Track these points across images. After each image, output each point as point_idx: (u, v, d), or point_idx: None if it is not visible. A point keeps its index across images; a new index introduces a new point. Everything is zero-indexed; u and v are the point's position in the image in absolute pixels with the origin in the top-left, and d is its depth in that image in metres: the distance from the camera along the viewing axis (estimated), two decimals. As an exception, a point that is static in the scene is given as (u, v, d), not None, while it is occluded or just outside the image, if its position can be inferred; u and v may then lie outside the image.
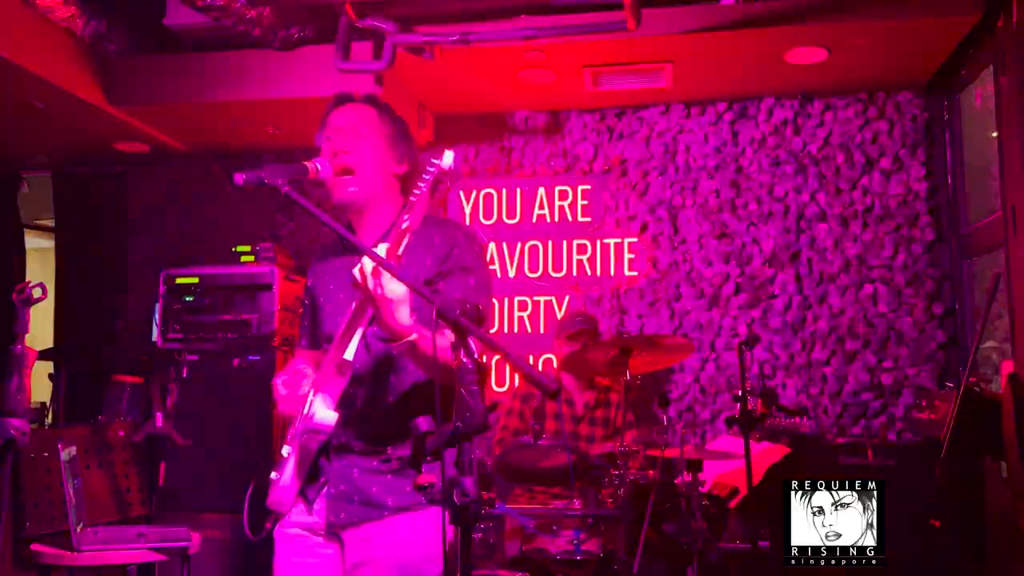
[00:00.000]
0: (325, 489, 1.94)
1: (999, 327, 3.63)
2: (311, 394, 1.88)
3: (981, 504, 3.49)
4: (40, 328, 5.00)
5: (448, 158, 1.68)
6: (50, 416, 4.35)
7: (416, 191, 1.69)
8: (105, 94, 4.05)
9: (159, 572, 3.78)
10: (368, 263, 1.67)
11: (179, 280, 4.12)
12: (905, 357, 4.11)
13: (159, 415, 3.81)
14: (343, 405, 1.90)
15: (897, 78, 4.16)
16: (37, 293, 1.81)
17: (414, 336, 1.69)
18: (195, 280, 4.11)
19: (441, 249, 1.93)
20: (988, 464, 3.51)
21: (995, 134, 3.59)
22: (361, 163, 1.95)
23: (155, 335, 4.15)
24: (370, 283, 1.66)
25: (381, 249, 1.69)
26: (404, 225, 1.68)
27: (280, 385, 1.94)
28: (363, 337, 1.87)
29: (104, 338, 4.84)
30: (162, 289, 4.12)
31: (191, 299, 4.08)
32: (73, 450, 3.24)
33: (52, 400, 4.40)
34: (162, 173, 4.92)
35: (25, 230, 5.43)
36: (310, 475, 1.96)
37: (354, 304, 1.81)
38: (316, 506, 1.95)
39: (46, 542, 3.17)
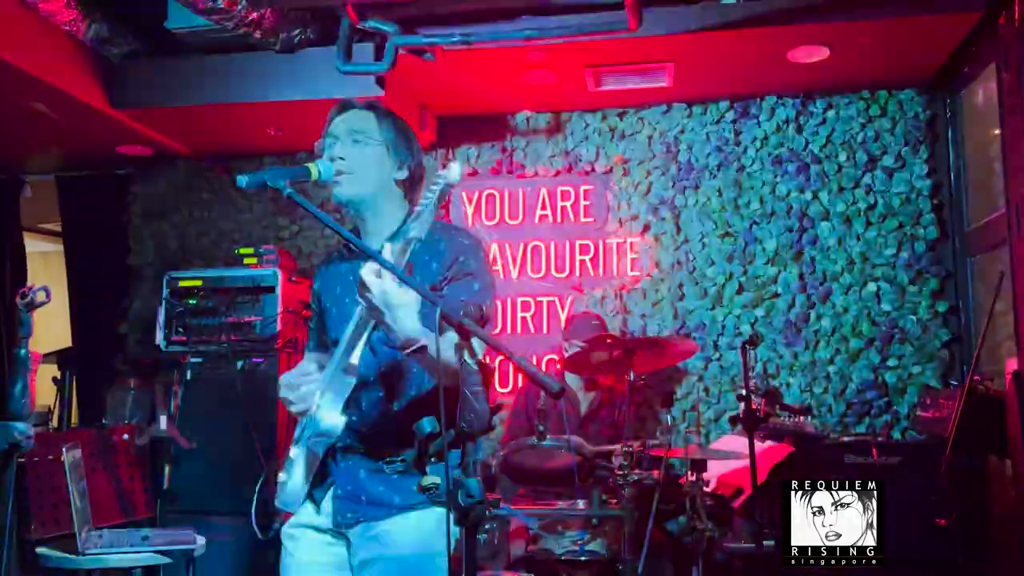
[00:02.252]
0: (332, 490, 1.96)
1: (1003, 325, 3.62)
2: (318, 396, 1.90)
3: (986, 502, 3.49)
4: (51, 331, 5.03)
5: (455, 172, 1.69)
6: (55, 419, 4.36)
7: (423, 201, 1.70)
8: (107, 97, 4.06)
9: (164, 575, 3.78)
10: (370, 273, 1.68)
11: (182, 283, 4.12)
12: (909, 355, 4.11)
13: (163, 418, 3.81)
14: (349, 408, 1.92)
15: (899, 76, 4.16)
16: (41, 297, 1.81)
17: (423, 342, 1.69)
18: (198, 283, 4.11)
19: (447, 255, 1.95)
20: (993, 462, 3.51)
21: (998, 131, 3.59)
22: (356, 169, 1.97)
23: (158, 338, 4.15)
24: (375, 297, 1.67)
25: (386, 253, 1.70)
26: (411, 235, 1.70)
27: (285, 385, 1.95)
28: (368, 341, 1.88)
29: (108, 341, 4.85)
30: (165, 292, 4.12)
31: (194, 302, 4.08)
32: (78, 453, 3.25)
33: (57, 403, 4.41)
34: (165, 176, 4.93)
35: (29, 233, 5.46)
36: (317, 476, 1.98)
37: (359, 308, 1.82)
38: (323, 505, 1.97)
39: (51, 545, 3.17)
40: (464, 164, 4.63)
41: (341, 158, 1.97)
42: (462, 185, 4.64)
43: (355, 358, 1.87)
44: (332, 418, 1.88)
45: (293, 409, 1.94)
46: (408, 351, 1.71)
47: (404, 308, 1.69)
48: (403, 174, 2.04)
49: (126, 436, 3.79)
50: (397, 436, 1.91)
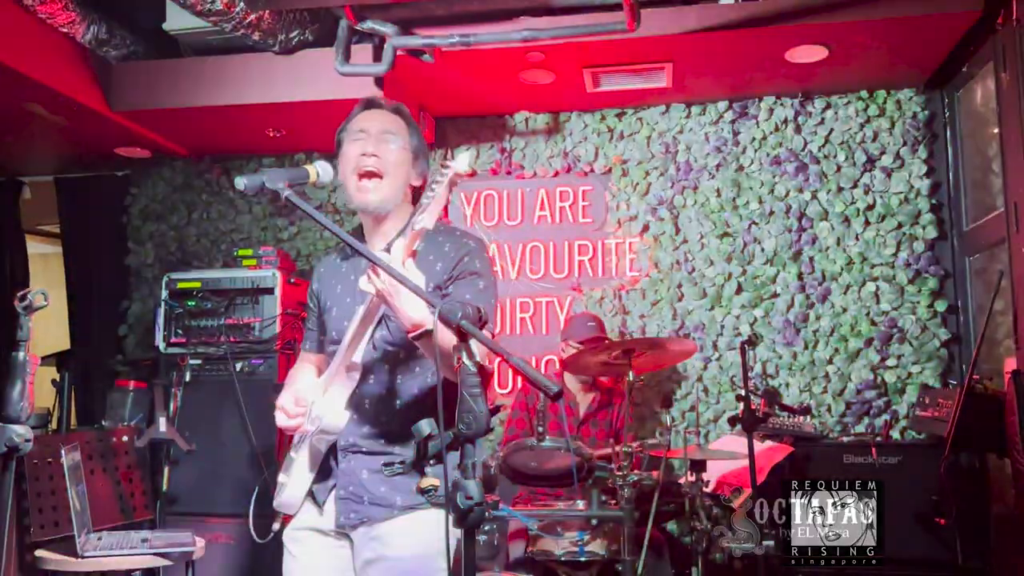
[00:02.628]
0: (334, 491, 1.96)
1: (1002, 324, 3.62)
2: (320, 395, 1.90)
3: (985, 501, 3.49)
4: (50, 333, 5.02)
5: (463, 161, 1.69)
6: (54, 422, 4.35)
7: (429, 193, 1.69)
8: (106, 99, 4.06)
9: (163, 577, 3.78)
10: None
11: (181, 284, 4.12)
12: (908, 355, 4.11)
13: (162, 420, 3.81)
14: (351, 407, 1.92)
15: (898, 76, 4.16)
16: (39, 300, 1.80)
17: (429, 326, 1.68)
18: (197, 284, 4.11)
19: (452, 256, 1.96)
20: (993, 462, 3.51)
21: (996, 130, 3.59)
22: (388, 170, 1.96)
23: (157, 339, 4.15)
24: (383, 280, 1.67)
25: (397, 247, 1.70)
26: (419, 226, 1.70)
27: (282, 411, 1.95)
28: (371, 339, 1.88)
29: (107, 343, 4.84)
30: (164, 293, 4.12)
31: (193, 303, 4.08)
32: (77, 455, 3.25)
33: (56, 406, 4.40)
34: (163, 177, 4.93)
35: (28, 235, 5.45)
36: (319, 476, 1.97)
37: (362, 307, 1.82)
38: (325, 507, 1.97)
39: (50, 548, 3.17)
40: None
41: (374, 155, 1.96)
42: (461, 186, 4.64)
43: (358, 356, 1.88)
44: (334, 416, 1.88)
45: (291, 423, 1.94)
46: (414, 335, 1.71)
47: (406, 292, 1.68)
48: (418, 181, 2.05)
49: (125, 438, 3.79)
50: (400, 434, 1.91)
